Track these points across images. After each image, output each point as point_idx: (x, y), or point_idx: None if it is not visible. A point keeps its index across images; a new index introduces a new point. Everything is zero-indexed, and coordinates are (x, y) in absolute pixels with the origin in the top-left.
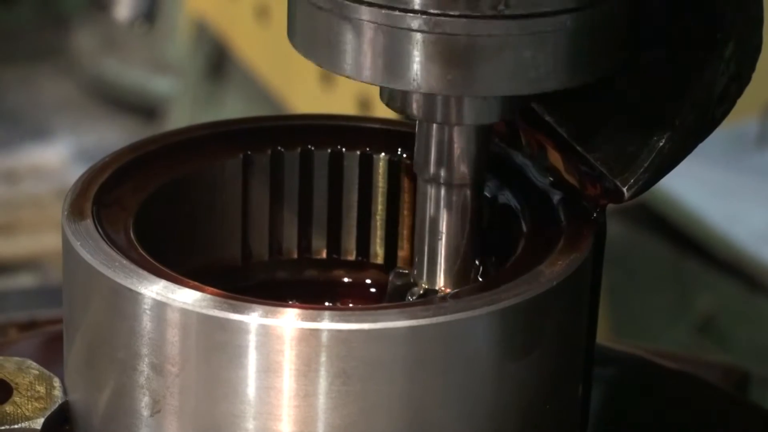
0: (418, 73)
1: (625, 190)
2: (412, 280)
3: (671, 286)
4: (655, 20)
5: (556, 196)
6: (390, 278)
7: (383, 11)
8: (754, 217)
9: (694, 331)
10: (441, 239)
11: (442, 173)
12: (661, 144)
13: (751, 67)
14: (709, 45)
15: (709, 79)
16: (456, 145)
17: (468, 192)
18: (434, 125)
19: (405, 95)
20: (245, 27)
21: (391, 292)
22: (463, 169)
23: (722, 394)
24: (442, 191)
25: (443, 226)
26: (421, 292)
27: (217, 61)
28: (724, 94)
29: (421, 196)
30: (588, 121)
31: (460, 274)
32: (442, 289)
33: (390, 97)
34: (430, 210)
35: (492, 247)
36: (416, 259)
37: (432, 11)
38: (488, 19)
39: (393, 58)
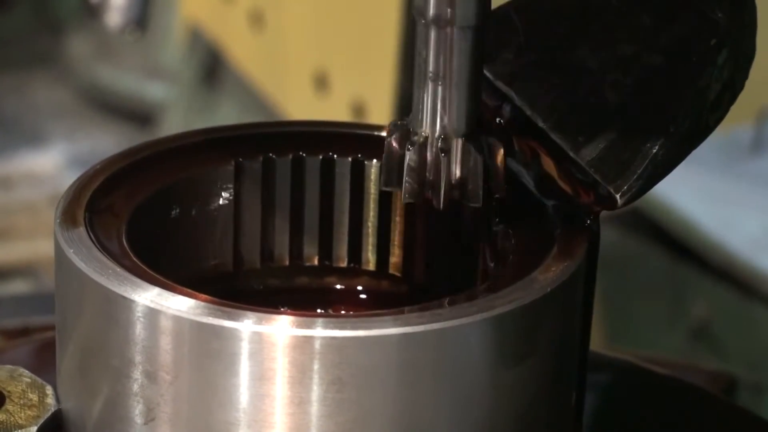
0: None
1: (618, 197)
2: (410, 129)
3: (665, 292)
4: (649, 26)
5: (550, 203)
6: (385, 135)
7: None
8: (748, 223)
9: (689, 338)
10: (440, 84)
11: (444, 12)
12: (654, 151)
13: (745, 74)
14: (702, 52)
15: (702, 86)
16: None
17: (469, 34)
18: None
19: None
20: (239, 33)
21: (389, 150)
22: (465, 7)
23: (713, 399)
24: (443, 33)
25: (443, 70)
26: (421, 140)
27: (211, 67)
28: (718, 101)
29: (421, 41)
30: (581, 128)
31: (461, 121)
32: (444, 137)
33: None
34: (430, 57)
35: (486, 254)
36: (415, 107)
37: None
38: None
39: None
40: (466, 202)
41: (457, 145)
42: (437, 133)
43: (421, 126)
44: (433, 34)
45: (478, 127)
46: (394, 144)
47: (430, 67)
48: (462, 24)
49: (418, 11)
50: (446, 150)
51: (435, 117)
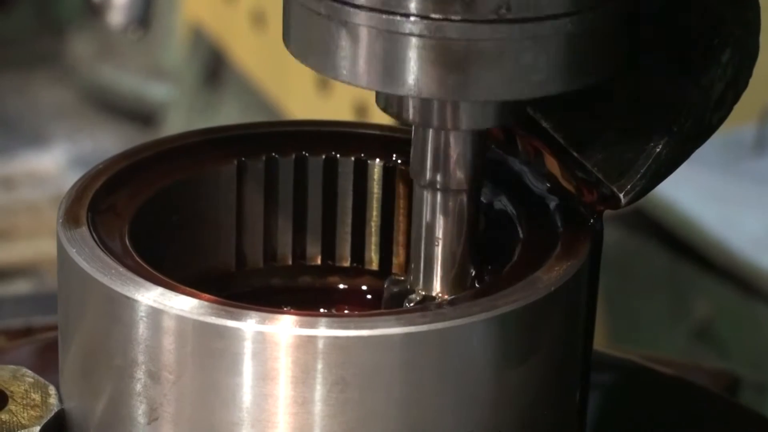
0: (416, 78)
1: (621, 196)
2: (408, 287)
3: (668, 291)
4: (652, 25)
5: (553, 203)
6: (386, 285)
7: (381, 16)
8: (750, 222)
9: (691, 337)
10: (437, 245)
11: (439, 178)
12: (657, 150)
13: (748, 73)
14: (706, 51)
15: (706, 85)
16: (452, 151)
17: (465, 198)
18: (431, 130)
19: (401, 100)
20: (241, 33)
21: (387, 299)
22: (459, 174)
23: (716, 398)
24: (439, 197)
25: (440, 232)
26: (419, 298)
27: (214, 67)
28: (721, 99)
29: (418, 202)
30: (585, 127)
31: (456, 280)
32: (439, 295)
33: (386, 102)
34: (426, 216)
35: (488, 254)
36: (412, 266)
37: (432, 16)
38: (489, 24)
39: (390, 63)
40: None
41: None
42: (434, 292)
43: (418, 284)
44: (428, 197)
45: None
46: (393, 297)
47: (424, 227)
48: (456, 189)
49: (414, 173)
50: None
51: (431, 277)
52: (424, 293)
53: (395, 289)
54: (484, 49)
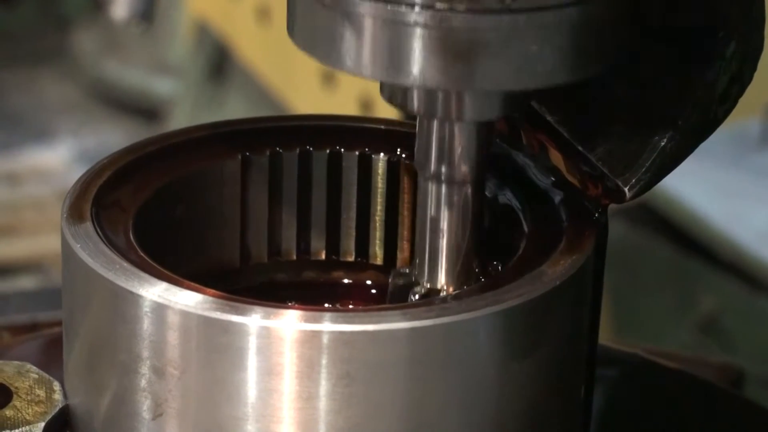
0: (421, 68)
1: (626, 189)
2: (413, 280)
3: (673, 286)
4: (657, 19)
5: (558, 196)
6: (390, 278)
7: (386, 6)
8: (756, 216)
9: (697, 331)
10: (442, 238)
11: (444, 170)
12: (662, 143)
13: (753, 67)
14: (710, 44)
15: (710, 79)
16: (457, 142)
17: (469, 189)
18: (435, 122)
19: (406, 91)
20: (246, 28)
21: (393, 293)
22: (464, 166)
23: (721, 392)
24: (443, 189)
25: (444, 225)
26: (423, 291)
27: (219, 62)
28: (726, 93)
29: (422, 195)
30: (589, 120)
31: (461, 273)
32: (444, 287)
33: (391, 93)
34: (431, 208)
35: (493, 248)
36: (417, 259)
37: (436, 6)
38: (495, 14)
39: (395, 53)
40: None
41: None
42: (439, 286)
43: (423, 277)
44: (433, 188)
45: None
46: (398, 289)
47: (429, 218)
48: (461, 181)
49: (419, 165)
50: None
51: (436, 269)
52: (429, 286)
53: (400, 282)
54: (489, 39)
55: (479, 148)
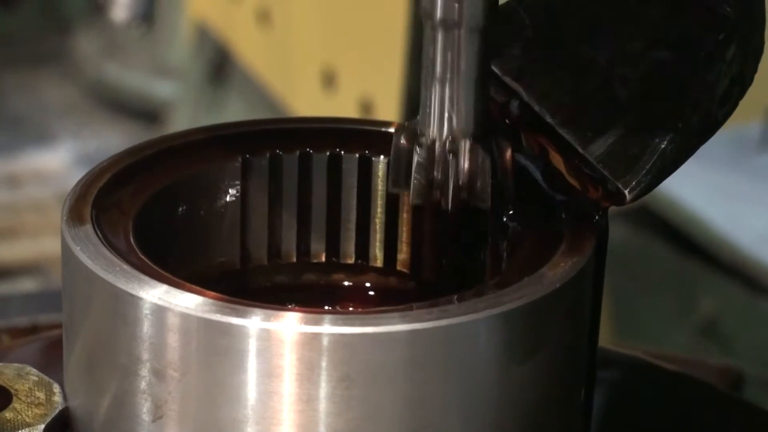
0: None
1: (627, 192)
2: (418, 132)
3: (673, 288)
4: (658, 21)
5: (558, 199)
6: (393, 136)
7: None
8: (756, 219)
9: (697, 334)
10: (448, 82)
11: (450, 15)
12: (663, 146)
13: (754, 69)
14: (711, 46)
15: (711, 81)
16: None
17: (476, 37)
18: None
19: None
20: (246, 31)
21: (396, 154)
22: (471, 9)
23: (721, 394)
24: (450, 35)
25: (451, 70)
26: (428, 143)
27: (219, 65)
28: (727, 95)
29: (428, 43)
30: (590, 123)
31: (468, 121)
32: (449, 137)
33: None
34: (438, 55)
35: (493, 250)
36: (421, 110)
37: None
38: None
39: None
40: (474, 203)
41: (465, 146)
42: (445, 135)
43: (429, 127)
44: (440, 36)
45: (487, 128)
46: (402, 145)
47: (438, 69)
48: (470, 26)
49: (425, 13)
50: (454, 151)
51: (443, 118)
52: (435, 135)
53: (402, 141)
54: None
55: None
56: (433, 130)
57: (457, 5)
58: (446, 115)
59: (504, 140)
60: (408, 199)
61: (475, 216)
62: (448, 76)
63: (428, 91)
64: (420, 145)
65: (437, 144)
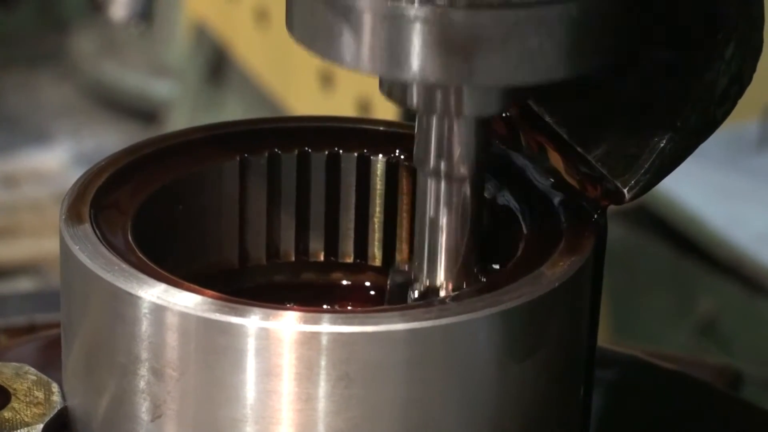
0: (420, 63)
1: (625, 191)
2: (412, 277)
3: (672, 288)
4: (656, 20)
5: (557, 198)
6: (389, 277)
7: (386, 2)
8: (754, 219)
9: (695, 334)
10: (441, 235)
11: (443, 166)
12: (662, 145)
13: (752, 68)
14: (710, 45)
15: (710, 80)
16: (456, 138)
17: (468, 187)
18: (434, 117)
19: (405, 87)
20: (245, 30)
21: (391, 291)
22: (463, 162)
23: (719, 393)
24: (443, 186)
25: (443, 222)
26: (422, 289)
27: (217, 64)
28: (725, 94)
29: (421, 192)
30: (588, 122)
31: (460, 271)
32: (443, 286)
33: (390, 88)
34: (430, 205)
35: (493, 249)
36: (416, 256)
37: (436, 2)
38: (495, 9)
39: (394, 48)
40: None
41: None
42: (437, 282)
43: (422, 272)
44: (432, 184)
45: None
46: (397, 287)
47: (428, 216)
48: (460, 177)
49: (418, 161)
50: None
51: (434, 264)
52: (428, 283)
53: (398, 281)
54: (489, 35)
55: (479, 144)
56: (424, 278)
57: (446, 158)
58: (438, 264)
59: None
60: (407, 199)
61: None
62: (440, 225)
63: (422, 235)
64: (413, 290)
65: (430, 290)
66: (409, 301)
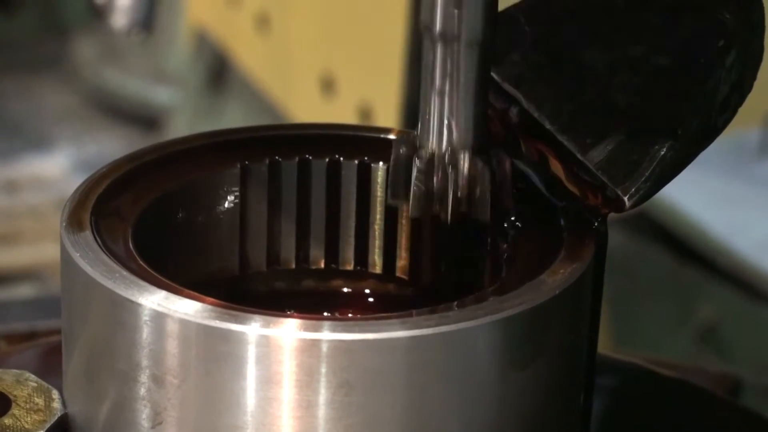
0: None
1: (626, 199)
2: (417, 144)
3: (672, 295)
4: (657, 28)
5: (558, 205)
6: (393, 147)
7: None
8: (755, 226)
9: (695, 341)
10: (447, 95)
11: (449, 29)
12: (662, 152)
13: (753, 75)
14: (710, 53)
15: (711, 88)
16: None
17: (476, 51)
18: None
19: None
20: (245, 37)
21: (395, 164)
22: (471, 24)
23: (719, 400)
24: (449, 48)
25: (448, 88)
26: (427, 156)
27: (218, 71)
28: (726, 102)
29: (427, 56)
30: (589, 130)
31: (467, 134)
32: (449, 150)
33: None
34: (437, 69)
35: (492, 257)
36: (420, 123)
37: None
38: None
39: None
40: (473, 215)
41: (465, 159)
42: (444, 147)
43: (428, 139)
44: (439, 49)
45: (486, 141)
46: (401, 156)
47: (437, 82)
48: (469, 39)
49: (424, 26)
50: (454, 164)
51: (442, 131)
52: (434, 148)
53: (402, 151)
54: None
55: (487, 5)
56: (432, 143)
57: (456, 19)
58: (445, 127)
59: (503, 152)
60: (407, 206)
61: (474, 224)
62: (447, 88)
63: (427, 103)
64: (419, 157)
65: (436, 156)
66: (414, 170)
